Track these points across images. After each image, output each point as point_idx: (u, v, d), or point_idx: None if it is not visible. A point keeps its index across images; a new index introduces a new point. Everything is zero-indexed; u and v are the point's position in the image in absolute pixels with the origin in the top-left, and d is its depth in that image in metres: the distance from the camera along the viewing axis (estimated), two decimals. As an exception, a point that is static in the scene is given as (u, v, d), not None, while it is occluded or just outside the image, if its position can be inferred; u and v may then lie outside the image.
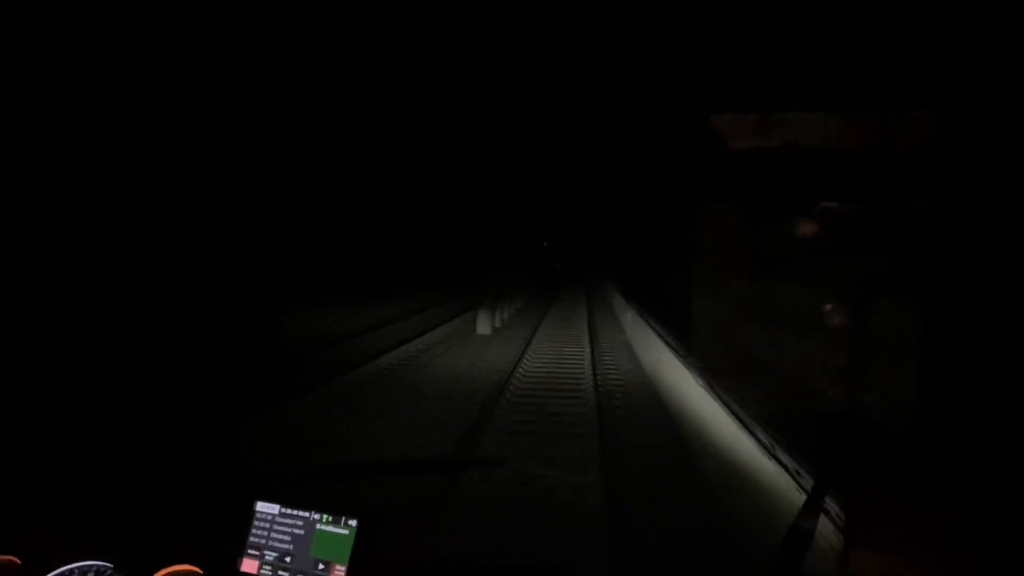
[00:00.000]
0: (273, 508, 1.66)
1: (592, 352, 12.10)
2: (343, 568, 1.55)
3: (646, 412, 7.82)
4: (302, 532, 1.61)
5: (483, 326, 15.13)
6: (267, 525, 1.64)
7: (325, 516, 1.62)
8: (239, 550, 1.63)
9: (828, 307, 6.72)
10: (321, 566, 1.57)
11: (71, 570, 1.60)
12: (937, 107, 3.10)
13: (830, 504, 2.17)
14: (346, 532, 1.59)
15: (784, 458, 6.44)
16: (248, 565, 1.62)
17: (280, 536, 1.63)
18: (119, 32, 3.92)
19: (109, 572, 1.60)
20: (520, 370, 9.78)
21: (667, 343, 9.73)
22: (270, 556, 1.61)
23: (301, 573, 1.58)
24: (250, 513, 1.66)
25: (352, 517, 1.60)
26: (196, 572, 1.61)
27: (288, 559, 1.60)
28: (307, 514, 1.63)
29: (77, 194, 4.39)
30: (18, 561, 1.61)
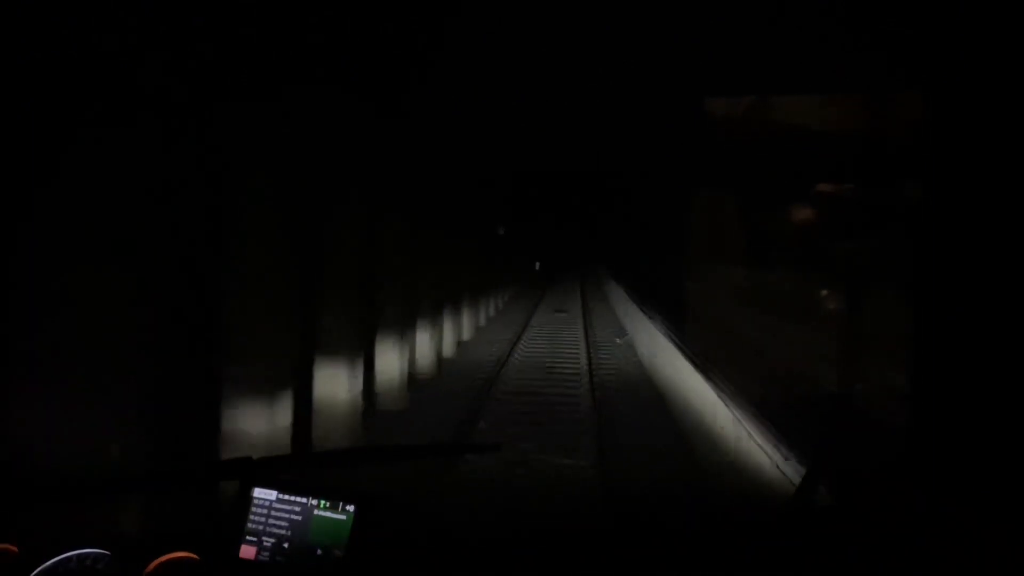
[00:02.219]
0: (270, 495, 1.66)
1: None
2: (341, 552, 1.56)
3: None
4: (300, 518, 1.62)
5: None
6: (264, 511, 1.64)
7: (322, 501, 1.62)
8: (237, 537, 1.64)
9: (824, 292, 6.71)
10: (319, 551, 1.58)
11: (68, 558, 1.60)
12: (929, 89, 3.10)
13: (822, 486, 2.18)
14: (344, 517, 1.59)
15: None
16: (246, 551, 1.62)
17: (278, 522, 1.63)
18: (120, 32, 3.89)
19: (106, 560, 1.60)
20: None
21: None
22: (268, 542, 1.62)
23: (299, 559, 1.59)
24: (247, 500, 1.66)
25: (349, 502, 1.60)
26: (193, 559, 1.61)
27: (286, 545, 1.61)
28: (304, 500, 1.63)
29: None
30: (15, 549, 1.62)
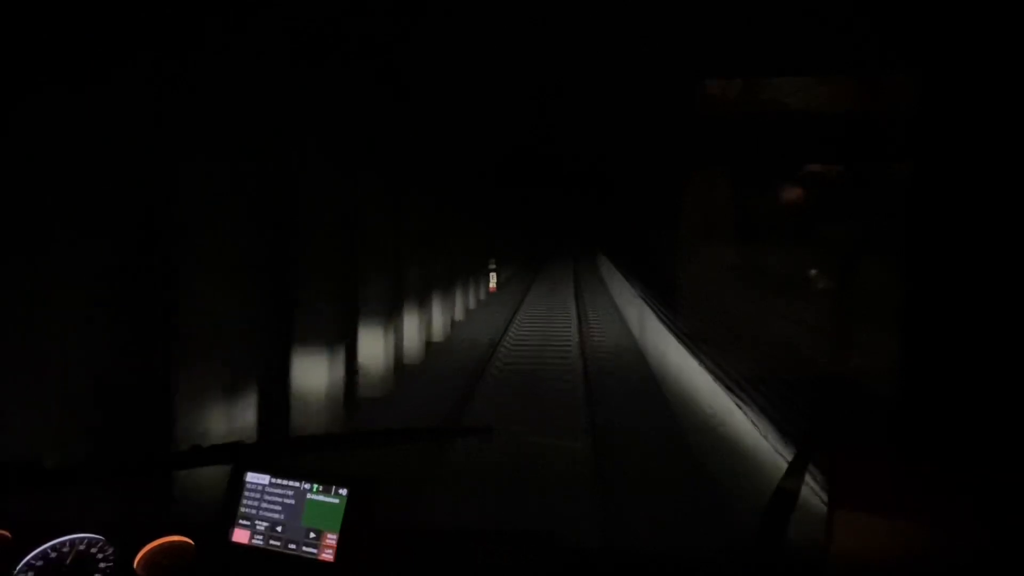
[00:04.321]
0: (263, 479, 1.66)
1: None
2: (335, 536, 1.57)
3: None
4: (292, 502, 1.62)
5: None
6: (257, 495, 1.65)
7: (315, 485, 1.62)
8: (230, 521, 1.64)
9: (813, 272, 6.75)
10: (312, 535, 1.58)
11: (62, 543, 1.60)
12: (921, 70, 3.08)
13: (813, 466, 2.20)
14: (337, 501, 1.59)
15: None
16: (239, 535, 1.63)
17: (271, 506, 1.63)
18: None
19: (100, 544, 1.60)
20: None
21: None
22: (261, 526, 1.62)
23: (292, 542, 1.59)
24: (240, 484, 1.66)
25: (342, 486, 1.61)
26: (187, 543, 1.61)
27: (279, 528, 1.61)
28: (297, 484, 1.63)
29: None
30: (9, 535, 1.61)
